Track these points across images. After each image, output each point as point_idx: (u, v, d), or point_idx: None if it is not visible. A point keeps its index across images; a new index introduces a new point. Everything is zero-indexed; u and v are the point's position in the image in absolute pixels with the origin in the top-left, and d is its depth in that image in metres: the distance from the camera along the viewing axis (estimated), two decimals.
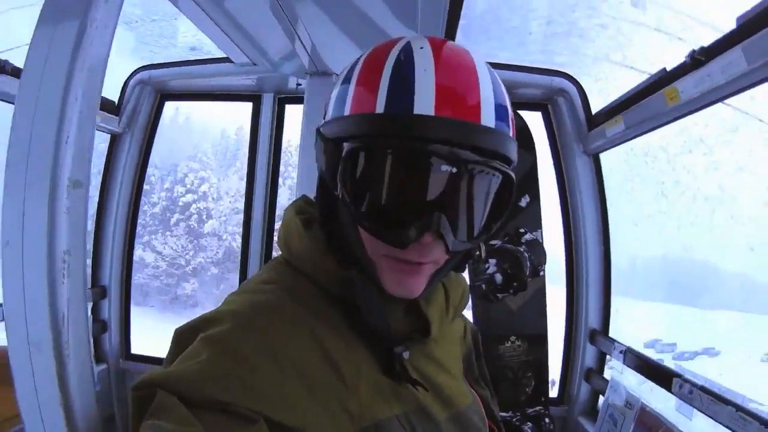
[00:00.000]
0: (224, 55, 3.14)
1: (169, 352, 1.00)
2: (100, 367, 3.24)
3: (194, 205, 33.04)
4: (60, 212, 0.85)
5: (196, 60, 3.49)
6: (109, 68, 3.34)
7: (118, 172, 3.54)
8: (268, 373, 0.93)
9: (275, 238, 2.89)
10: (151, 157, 3.70)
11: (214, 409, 0.86)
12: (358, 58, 1.09)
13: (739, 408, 1.94)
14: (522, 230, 3.02)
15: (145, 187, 3.78)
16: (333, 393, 0.98)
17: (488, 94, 0.99)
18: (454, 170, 0.95)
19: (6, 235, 0.85)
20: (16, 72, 2.66)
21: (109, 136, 3.53)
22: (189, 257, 32.11)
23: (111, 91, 3.35)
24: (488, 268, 2.83)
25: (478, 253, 1.19)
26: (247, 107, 3.83)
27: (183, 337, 0.99)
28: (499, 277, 2.75)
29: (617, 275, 3.25)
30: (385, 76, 0.98)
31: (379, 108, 0.96)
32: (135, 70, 3.47)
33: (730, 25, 1.90)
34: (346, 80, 1.05)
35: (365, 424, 0.98)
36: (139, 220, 3.70)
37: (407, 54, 1.01)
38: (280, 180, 3.95)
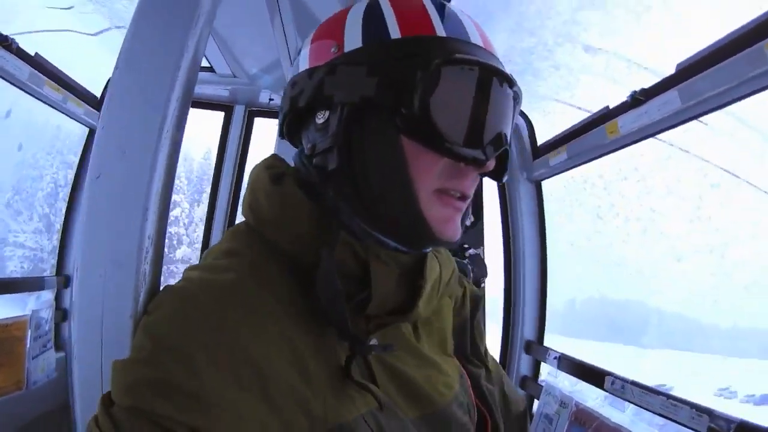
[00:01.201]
0: (207, 64, 3.14)
1: None
2: (59, 354, 3.17)
3: None
4: (161, 152, 0.94)
5: None
6: (96, 63, 3.25)
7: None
8: (216, 379, 0.79)
9: None
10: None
11: (144, 419, 0.76)
12: None
13: (669, 397, 2.03)
14: (466, 246, 3.12)
15: None
16: (294, 398, 0.85)
17: None
18: (512, 95, 0.99)
19: (98, 170, 0.92)
20: (20, 53, 2.64)
21: (87, 130, 3.47)
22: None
23: (97, 86, 3.32)
24: None
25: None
26: (216, 125, 3.79)
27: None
28: None
29: (555, 317, 3.30)
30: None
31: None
32: None
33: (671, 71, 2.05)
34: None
35: (328, 427, 0.86)
36: None
37: None
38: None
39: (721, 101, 1.87)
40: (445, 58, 0.91)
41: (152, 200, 0.93)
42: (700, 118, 2.07)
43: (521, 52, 2.29)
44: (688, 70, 1.95)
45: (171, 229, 30.78)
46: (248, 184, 1.08)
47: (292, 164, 1.10)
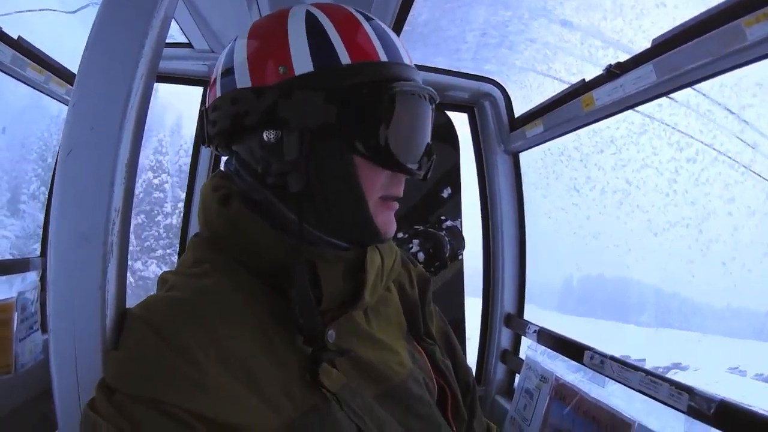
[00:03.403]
0: (186, 40, 3.10)
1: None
2: (45, 336, 2.91)
3: None
4: (126, 127, 0.97)
5: None
6: (77, 41, 3.19)
7: None
8: (212, 369, 0.88)
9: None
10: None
11: (148, 406, 0.83)
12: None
13: (648, 373, 2.01)
14: (443, 218, 3.12)
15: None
16: (276, 384, 0.94)
17: None
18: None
19: (69, 146, 0.94)
20: (3, 37, 2.58)
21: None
22: None
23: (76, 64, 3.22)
24: (412, 247, 2.91)
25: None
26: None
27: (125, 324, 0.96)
28: (422, 256, 2.83)
29: (553, 294, 3.28)
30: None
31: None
32: None
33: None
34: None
35: (305, 407, 0.96)
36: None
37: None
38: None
39: (696, 76, 1.87)
40: (396, 86, 1.01)
41: (118, 174, 0.96)
42: (675, 95, 2.06)
43: (497, 25, 2.27)
44: (663, 45, 1.94)
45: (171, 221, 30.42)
46: (200, 203, 1.15)
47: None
